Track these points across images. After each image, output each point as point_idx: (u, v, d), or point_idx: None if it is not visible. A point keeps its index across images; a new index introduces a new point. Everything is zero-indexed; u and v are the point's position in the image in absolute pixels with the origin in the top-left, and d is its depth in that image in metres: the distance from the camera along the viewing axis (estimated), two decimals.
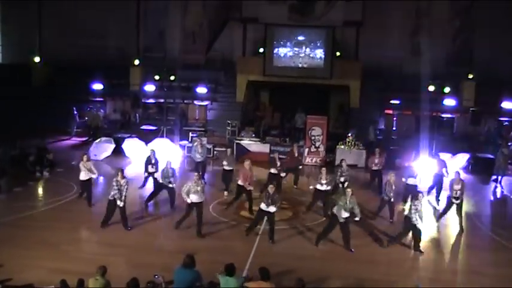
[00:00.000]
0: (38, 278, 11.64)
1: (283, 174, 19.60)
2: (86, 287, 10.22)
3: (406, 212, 15.38)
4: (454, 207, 16.60)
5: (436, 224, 17.05)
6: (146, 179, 19.06)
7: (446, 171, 19.56)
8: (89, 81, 30.56)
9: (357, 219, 14.76)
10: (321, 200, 17.63)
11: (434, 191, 19.67)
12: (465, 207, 17.72)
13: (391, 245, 14.87)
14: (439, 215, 17.21)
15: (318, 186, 17.48)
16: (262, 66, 30.40)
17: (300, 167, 22.11)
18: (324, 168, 17.91)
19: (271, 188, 14.86)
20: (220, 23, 33.52)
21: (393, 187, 16.84)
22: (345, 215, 14.41)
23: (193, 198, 15.01)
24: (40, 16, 32.21)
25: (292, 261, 13.41)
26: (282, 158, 20.50)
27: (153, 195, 17.88)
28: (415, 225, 14.39)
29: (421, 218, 14.37)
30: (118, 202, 15.18)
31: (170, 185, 17.28)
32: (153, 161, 18.79)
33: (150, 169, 18.72)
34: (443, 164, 19.91)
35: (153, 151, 19.42)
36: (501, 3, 29.69)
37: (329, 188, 17.58)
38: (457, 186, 16.48)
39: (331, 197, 16.68)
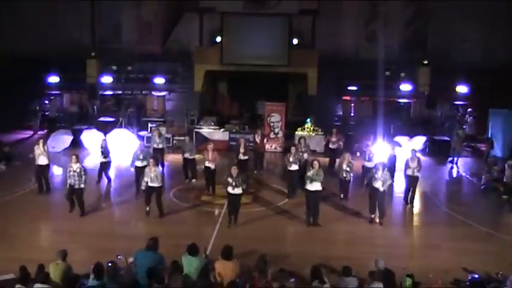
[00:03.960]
0: None
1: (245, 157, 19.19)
2: (47, 273, 10.08)
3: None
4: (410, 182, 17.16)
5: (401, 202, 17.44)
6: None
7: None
8: (44, 75, 29.97)
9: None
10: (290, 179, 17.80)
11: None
12: (423, 187, 18.22)
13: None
14: (405, 195, 17.40)
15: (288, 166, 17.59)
16: (219, 56, 30.13)
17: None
18: (293, 147, 17.98)
19: (234, 170, 14.67)
20: (176, 14, 33.23)
21: (349, 167, 17.16)
22: (315, 187, 14.71)
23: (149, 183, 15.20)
24: None
25: (254, 243, 13.39)
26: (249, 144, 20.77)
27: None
28: (377, 190, 14.95)
29: (382, 182, 14.89)
30: (76, 186, 15.08)
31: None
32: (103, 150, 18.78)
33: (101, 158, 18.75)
34: (397, 145, 20.61)
35: (104, 140, 19.39)
36: None
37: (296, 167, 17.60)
38: (413, 164, 16.98)
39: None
